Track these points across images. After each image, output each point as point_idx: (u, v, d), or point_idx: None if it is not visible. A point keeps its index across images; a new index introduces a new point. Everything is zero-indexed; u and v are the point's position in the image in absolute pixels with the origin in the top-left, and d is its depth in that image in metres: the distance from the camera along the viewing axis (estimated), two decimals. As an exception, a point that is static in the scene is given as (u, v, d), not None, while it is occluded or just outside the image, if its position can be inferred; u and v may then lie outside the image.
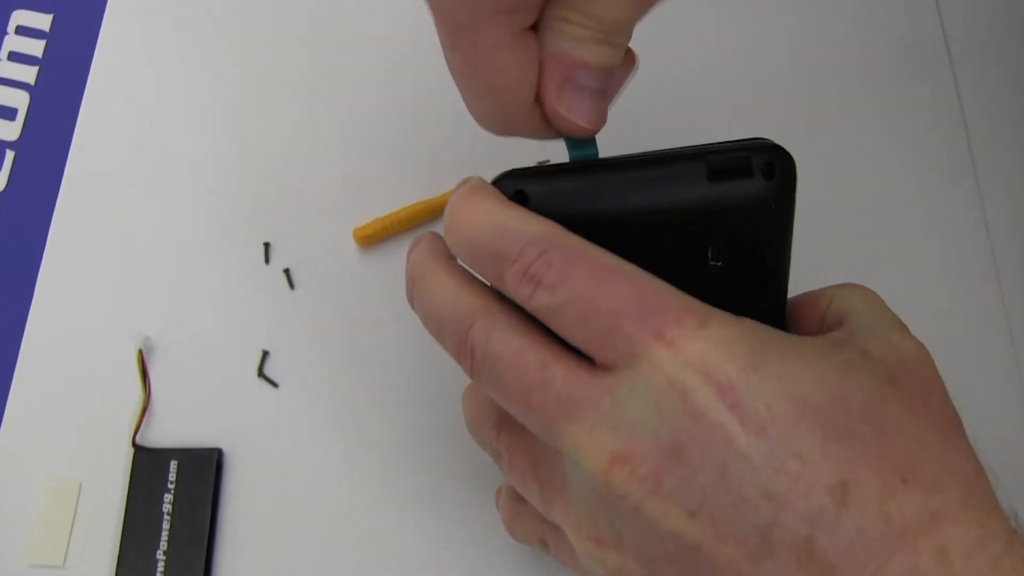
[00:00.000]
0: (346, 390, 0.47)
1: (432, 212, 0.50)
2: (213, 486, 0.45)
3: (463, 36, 0.30)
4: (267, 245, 0.50)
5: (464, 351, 0.31)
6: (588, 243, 0.30)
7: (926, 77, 0.53)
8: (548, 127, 0.33)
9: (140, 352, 0.48)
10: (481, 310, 0.31)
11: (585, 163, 0.32)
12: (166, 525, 0.44)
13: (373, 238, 0.49)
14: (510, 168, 0.33)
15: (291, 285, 0.49)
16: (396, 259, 0.49)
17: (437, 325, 0.33)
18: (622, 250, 0.30)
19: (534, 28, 0.31)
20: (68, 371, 0.48)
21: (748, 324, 0.29)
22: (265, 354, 0.48)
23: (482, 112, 0.33)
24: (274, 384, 0.47)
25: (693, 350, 0.28)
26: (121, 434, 0.46)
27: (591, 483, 0.29)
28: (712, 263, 0.32)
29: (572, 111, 0.31)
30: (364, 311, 0.49)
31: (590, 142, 0.33)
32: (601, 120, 0.32)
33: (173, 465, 0.45)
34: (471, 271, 0.32)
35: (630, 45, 0.33)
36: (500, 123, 0.33)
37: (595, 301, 0.28)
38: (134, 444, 0.46)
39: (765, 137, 0.32)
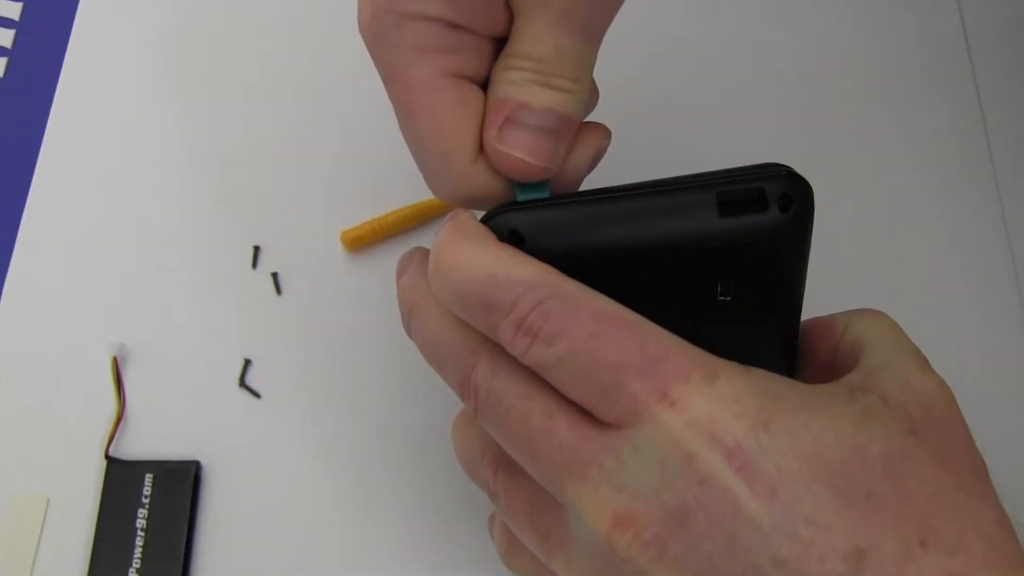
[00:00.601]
0: (332, 401, 0.45)
1: (423, 216, 0.48)
2: (190, 501, 0.43)
3: (397, 80, 0.30)
4: (256, 249, 0.48)
5: (468, 390, 0.30)
6: (587, 289, 0.28)
7: (946, 81, 0.53)
8: (498, 180, 0.31)
9: (114, 359, 0.46)
10: (485, 347, 0.30)
11: (585, 194, 0.30)
12: (140, 542, 0.42)
13: (362, 242, 0.48)
14: (502, 203, 0.31)
15: (278, 290, 0.47)
16: (386, 264, 0.48)
17: (438, 360, 0.32)
18: (624, 287, 0.29)
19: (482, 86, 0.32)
20: (37, 378, 0.46)
21: (758, 376, 0.28)
22: (247, 362, 0.46)
23: (428, 171, 0.33)
24: (256, 394, 0.45)
25: (699, 410, 0.26)
26: (93, 445, 0.44)
27: (594, 541, 0.28)
28: (722, 298, 0.30)
29: (513, 146, 0.30)
30: (352, 318, 0.47)
31: (542, 187, 0.31)
32: (549, 159, 0.31)
33: (148, 479, 0.43)
34: None
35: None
36: (447, 183, 0.32)
37: (596, 356, 0.27)
38: (107, 456, 0.44)
39: (780, 164, 0.30)
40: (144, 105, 0.52)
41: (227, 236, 0.49)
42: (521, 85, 0.30)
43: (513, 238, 0.29)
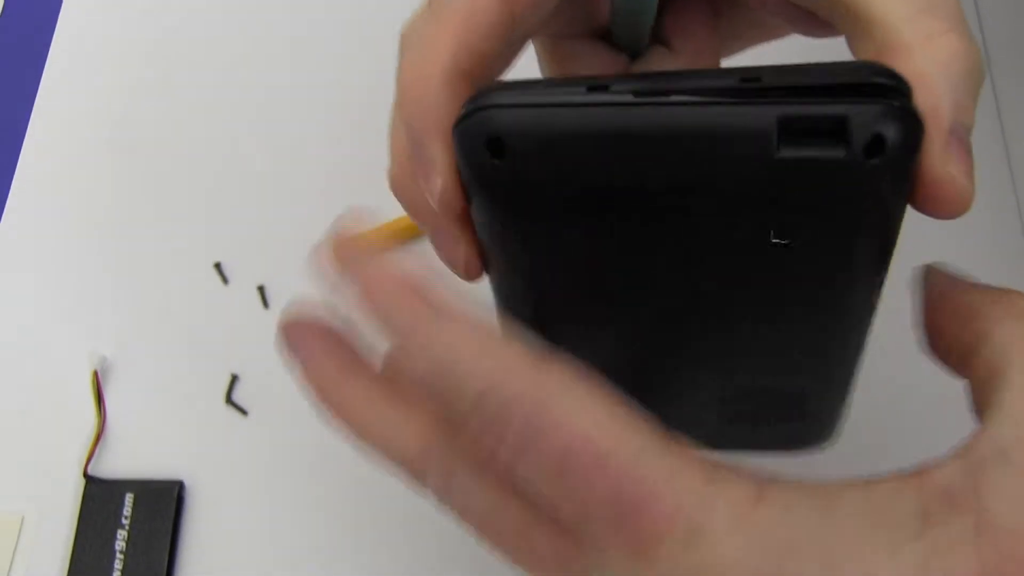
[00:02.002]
0: (321, 419, 0.44)
1: (417, 229, 0.47)
2: (172, 522, 0.42)
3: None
4: (218, 265, 0.47)
5: (424, 491, 0.26)
6: (564, 388, 0.22)
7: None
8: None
9: (95, 373, 0.45)
10: (431, 449, 0.25)
11: (599, 84, 0.22)
12: (118, 564, 0.41)
13: (355, 255, 0.47)
14: (487, 85, 0.23)
15: (265, 303, 0.47)
16: (379, 278, 0.47)
17: (379, 457, 0.26)
18: (639, 228, 0.23)
19: None
20: (13, 392, 0.45)
21: (771, 513, 0.21)
22: (234, 378, 0.45)
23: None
24: (243, 411, 0.45)
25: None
26: (71, 463, 0.43)
27: None
28: (775, 240, 0.22)
29: None
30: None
31: None
32: None
33: (128, 498, 0.42)
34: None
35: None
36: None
37: (563, 491, 0.22)
38: (85, 474, 0.43)
39: (895, 72, 0.22)
40: (127, 113, 0.52)
41: (215, 245, 0.48)
42: None
43: (493, 148, 0.22)
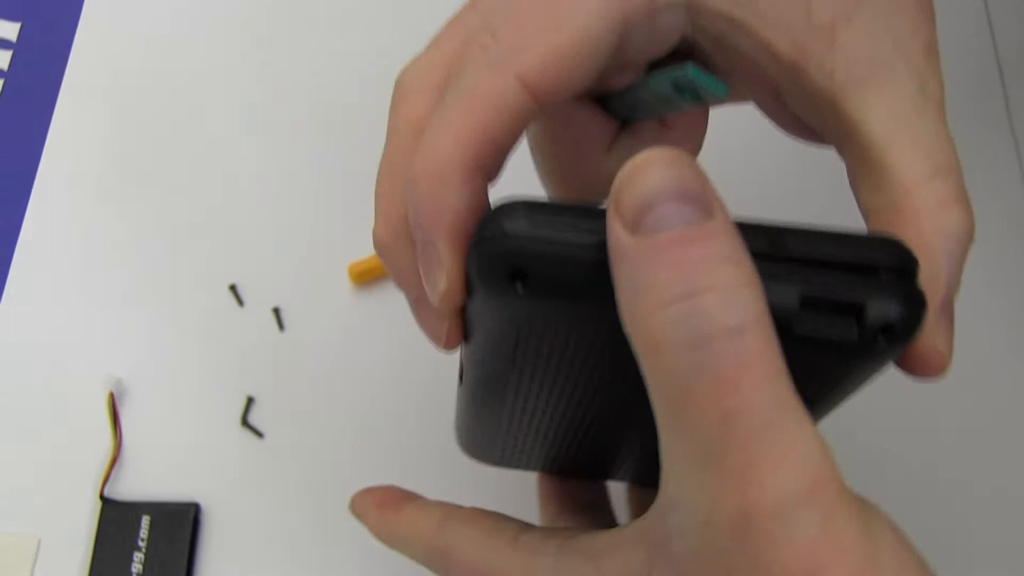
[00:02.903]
0: (338, 441, 0.45)
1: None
2: (189, 545, 0.43)
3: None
4: (233, 287, 0.48)
5: None
6: (468, 531, 0.31)
7: (978, 104, 0.53)
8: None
9: (111, 395, 0.45)
10: None
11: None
12: (135, 587, 0.42)
13: (369, 275, 0.48)
14: (506, 205, 0.23)
15: (280, 325, 0.47)
16: (394, 299, 0.48)
17: None
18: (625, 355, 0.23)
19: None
20: (29, 414, 0.46)
21: None
22: (250, 400, 0.46)
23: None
24: (259, 434, 0.45)
25: None
26: (87, 485, 0.44)
27: None
28: None
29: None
30: (358, 355, 0.47)
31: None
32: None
33: (145, 521, 0.43)
34: None
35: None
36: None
37: None
38: (102, 497, 0.43)
39: (906, 250, 0.23)
40: (143, 133, 0.52)
41: (231, 268, 0.49)
42: None
43: (514, 276, 0.22)
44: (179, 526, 0.43)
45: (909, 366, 0.25)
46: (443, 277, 0.24)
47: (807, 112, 0.28)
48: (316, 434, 0.45)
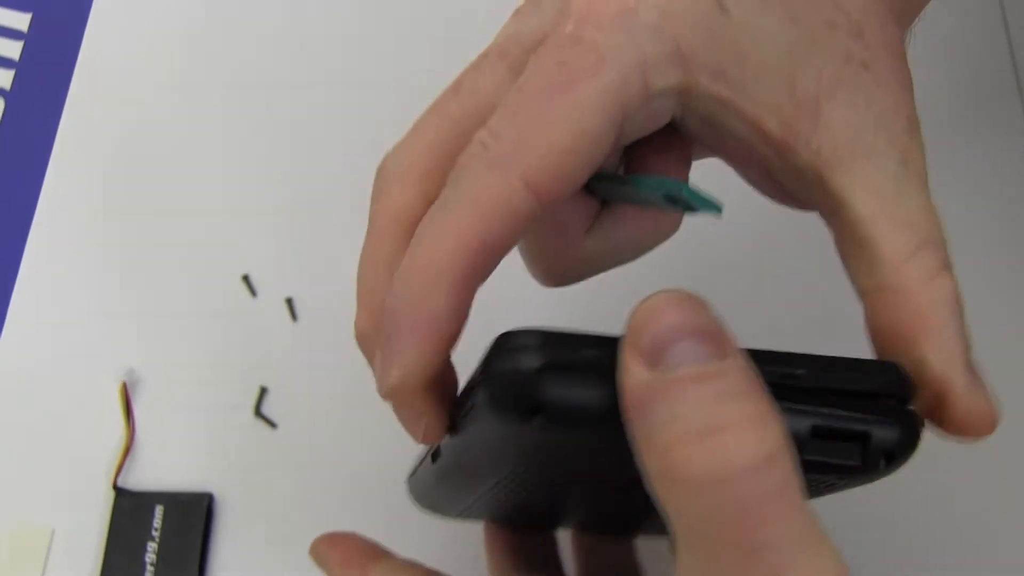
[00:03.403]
0: (351, 432, 0.45)
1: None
2: (202, 535, 0.43)
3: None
4: (246, 277, 0.48)
5: None
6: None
7: (995, 115, 0.53)
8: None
9: (124, 385, 0.45)
10: None
11: None
12: (149, 577, 0.42)
13: (383, 267, 0.48)
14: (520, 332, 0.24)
15: (293, 316, 0.47)
16: (407, 290, 0.48)
17: None
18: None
19: None
20: (41, 405, 0.46)
21: None
22: (263, 391, 0.46)
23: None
24: (272, 424, 0.45)
25: None
26: (100, 476, 0.44)
27: None
28: None
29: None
30: (372, 346, 0.47)
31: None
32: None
33: (158, 511, 0.43)
34: None
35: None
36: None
37: None
38: (115, 487, 0.44)
39: (903, 375, 0.25)
40: (155, 123, 0.52)
41: (244, 257, 0.49)
42: None
43: (529, 412, 0.23)
44: (192, 516, 0.43)
45: (961, 431, 0.26)
46: (397, 371, 0.25)
47: (795, 185, 0.28)
48: (329, 425, 0.45)
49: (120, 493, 0.44)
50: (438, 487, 0.32)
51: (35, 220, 0.50)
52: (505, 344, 0.23)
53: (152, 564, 0.42)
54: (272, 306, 0.48)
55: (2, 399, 0.46)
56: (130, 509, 0.43)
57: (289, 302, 0.48)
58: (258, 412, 0.45)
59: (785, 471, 0.20)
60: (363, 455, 0.45)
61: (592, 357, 0.22)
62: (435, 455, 0.30)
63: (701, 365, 0.21)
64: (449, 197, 0.26)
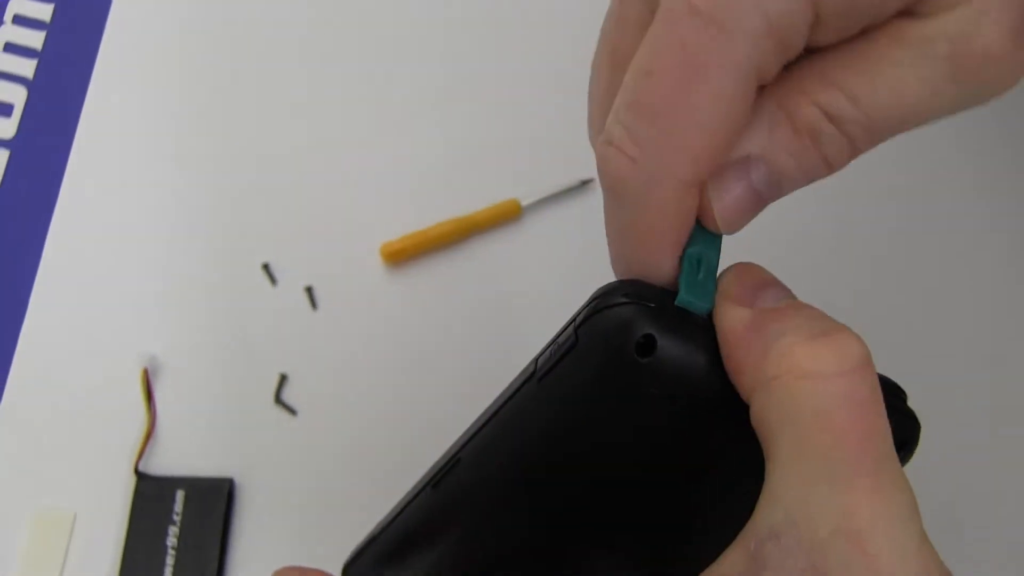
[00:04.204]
0: (370, 419, 0.46)
1: (466, 230, 0.49)
2: (223, 519, 0.44)
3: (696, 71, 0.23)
4: (266, 266, 0.49)
5: None
6: None
7: (1014, 114, 0.54)
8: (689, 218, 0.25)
9: (145, 371, 0.46)
10: None
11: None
12: (170, 561, 0.43)
13: (402, 255, 0.48)
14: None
15: (313, 304, 0.48)
16: (427, 278, 0.49)
17: None
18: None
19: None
20: (63, 390, 0.47)
21: None
22: (283, 378, 0.47)
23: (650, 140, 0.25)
24: (292, 411, 0.46)
25: None
26: (122, 460, 0.45)
27: None
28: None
29: (724, 207, 0.25)
30: (391, 334, 0.48)
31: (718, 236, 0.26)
32: (739, 226, 0.26)
33: (179, 495, 0.44)
34: None
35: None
36: (649, 181, 0.24)
37: None
38: (136, 471, 0.45)
39: (900, 392, 0.25)
40: (176, 114, 0.53)
41: (265, 245, 0.50)
42: (801, 137, 0.24)
43: (642, 346, 0.24)
44: (213, 501, 0.44)
45: None
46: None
47: None
48: (348, 412, 0.46)
49: (141, 478, 0.44)
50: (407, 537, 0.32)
51: (58, 206, 0.51)
52: (613, 291, 0.24)
53: (173, 548, 0.43)
54: (292, 294, 0.49)
55: (25, 384, 0.47)
56: (151, 494, 0.44)
57: (309, 290, 0.48)
58: (278, 399, 0.46)
59: (875, 379, 0.22)
60: (381, 441, 0.46)
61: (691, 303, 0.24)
62: (436, 480, 0.30)
63: (791, 300, 0.24)
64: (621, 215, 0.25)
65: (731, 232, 0.25)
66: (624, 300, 0.24)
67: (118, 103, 0.54)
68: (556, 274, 0.49)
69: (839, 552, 0.21)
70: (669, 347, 0.23)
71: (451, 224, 0.49)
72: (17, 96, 0.54)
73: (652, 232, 0.25)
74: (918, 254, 0.50)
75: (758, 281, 0.24)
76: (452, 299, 0.48)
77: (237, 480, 0.45)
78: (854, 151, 0.24)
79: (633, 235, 0.25)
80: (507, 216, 0.49)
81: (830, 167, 0.25)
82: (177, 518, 0.44)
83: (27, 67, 0.55)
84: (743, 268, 0.25)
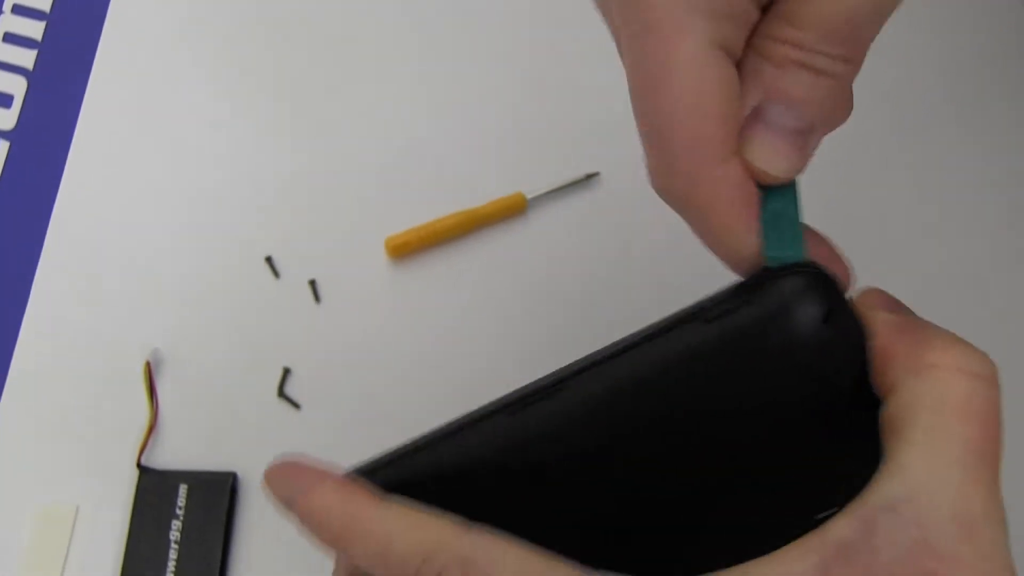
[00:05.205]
0: (374, 413, 0.46)
1: (472, 224, 0.49)
2: (226, 513, 0.44)
3: (655, 46, 0.26)
4: (269, 259, 0.49)
5: None
6: (491, 541, 0.26)
7: (1012, 92, 0.54)
8: (742, 190, 0.27)
9: (148, 365, 0.47)
10: None
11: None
12: (173, 555, 0.43)
13: (407, 248, 0.49)
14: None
15: (316, 298, 0.48)
16: (431, 272, 0.49)
17: None
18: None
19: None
20: (66, 384, 0.47)
21: None
22: (286, 372, 0.47)
23: (665, 161, 0.27)
24: (296, 405, 0.46)
25: None
26: (125, 454, 0.45)
27: None
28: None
29: (758, 158, 0.27)
30: (395, 327, 0.48)
31: (787, 189, 0.27)
32: (797, 167, 0.27)
33: (182, 489, 0.44)
34: None
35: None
36: (688, 180, 0.27)
37: None
38: (139, 465, 0.45)
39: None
40: (177, 105, 0.53)
41: (269, 239, 0.50)
42: (781, 66, 0.26)
43: (827, 314, 0.25)
44: (217, 495, 0.44)
45: None
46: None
47: None
48: (352, 406, 0.46)
49: (144, 471, 0.45)
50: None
51: (59, 198, 0.51)
52: (788, 268, 0.26)
53: (176, 542, 0.43)
54: (295, 288, 0.49)
55: (27, 378, 0.47)
56: (155, 487, 0.44)
57: (312, 284, 0.49)
58: (281, 393, 0.46)
59: None
60: (385, 435, 0.46)
61: None
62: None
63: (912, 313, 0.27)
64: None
65: (787, 177, 0.27)
66: (816, 268, 0.26)
67: (119, 93, 0.54)
68: (561, 268, 0.49)
69: (952, 534, 0.22)
70: (844, 320, 0.25)
71: (456, 218, 0.49)
72: (17, 87, 0.54)
73: (722, 221, 0.26)
74: (919, 255, 0.50)
75: (895, 301, 0.27)
76: (457, 293, 0.49)
77: (240, 474, 0.45)
78: (836, 59, 0.26)
79: (711, 233, 0.27)
80: (512, 210, 0.50)
81: (833, 77, 0.26)
82: (180, 512, 0.44)
83: (27, 58, 0.55)
84: (880, 290, 0.27)
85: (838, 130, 0.28)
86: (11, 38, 0.55)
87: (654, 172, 0.27)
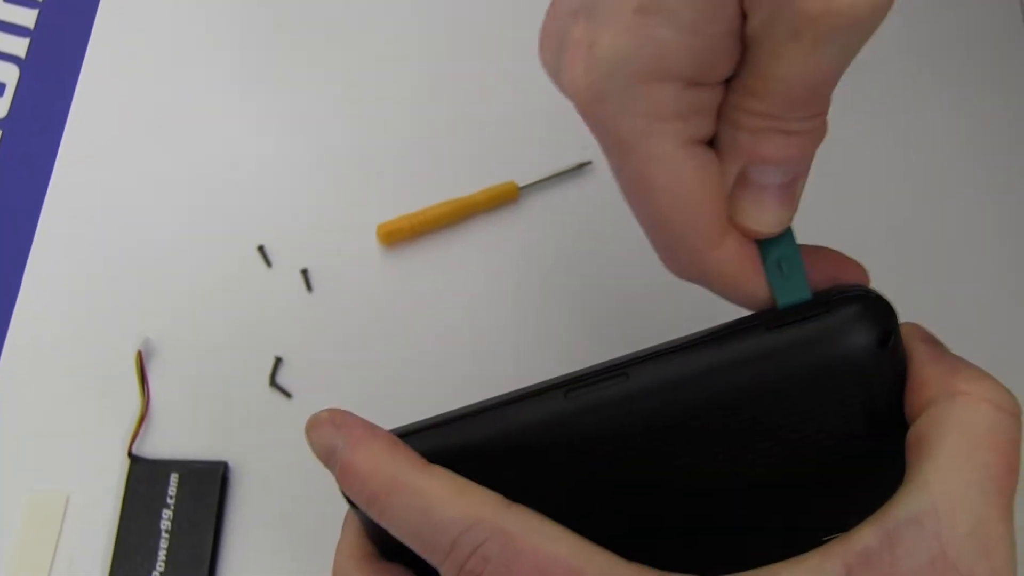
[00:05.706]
0: (366, 402, 0.46)
1: (464, 212, 0.49)
2: (217, 503, 0.44)
3: (631, 153, 0.27)
4: (261, 248, 0.49)
5: None
6: (533, 523, 0.26)
7: (1006, 77, 0.54)
8: (746, 260, 0.29)
9: (139, 353, 0.47)
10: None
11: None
12: (164, 544, 0.43)
13: (399, 236, 0.49)
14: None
15: (308, 287, 0.49)
16: (423, 260, 0.49)
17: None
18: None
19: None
20: (57, 372, 0.47)
21: None
22: (278, 361, 0.47)
23: (669, 250, 0.29)
24: (287, 394, 0.47)
25: None
26: (116, 443, 0.45)
27: None
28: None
29: (751, 220, 0.28)
30: (387, 316, 0.48)
31: (785, 234, 0.29)
32: (788, 218, 0.29)
33: (173, 479, 0.44)
34: None
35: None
36: (693, 263, 0.29)
37: None
38: (130, 454, 0.45)
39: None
40: (170, 94, 0.54)
41: (260, 227, 0.50)
42: (757, 134, 0.27)
43: (883, 338, 0.27)
44: (208, 484, 0.44)
45: None
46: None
47: None
48: (344, 395, 0.47)
49: (135, 461, 0.45)
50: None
51: (51, 187, 0.51)
52: (852, 292, 0.27)
53: (167, 531, 0.44)
54: (287, 277, 0.49)
55: (18, 367, 0.47)
56: (146, 477, 0.45)
57: (304, 273, 0.49)
58: (273, 382, 0.46)
59: None
60: (377, 423, 0.46)
61: None
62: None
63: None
64: None
65: (782, 229, 0.29)
66: (877, 294, 0.28)
67: (112, 82, 0.54)
68: (553, 256, 0.49)
69: (970, 550, 0.24)
70: (896, 345, 0.27)
71: (448, 205, 0.49)
72: (9, 75, 0.54)
73: (732, 284, 0.29)
74: (921, 255, 0.50)
75: (932, 335, 0.28)
76: (449, 281, 0.49)
77: (231, 463, 0.45)
78: (806, 119, 0.27)
79: (726, 295, 0.29)
80: (504, 198, 0.50)
81: (806, 133, 0.27)
82: (171, 501, 0.44)
83: (19, 46, 0.55)
84: (919, 325, 0.29)
85: (834, 135, 0.29)
86: (3, 26, 0.55)
87: (661, 259, 0.29)
